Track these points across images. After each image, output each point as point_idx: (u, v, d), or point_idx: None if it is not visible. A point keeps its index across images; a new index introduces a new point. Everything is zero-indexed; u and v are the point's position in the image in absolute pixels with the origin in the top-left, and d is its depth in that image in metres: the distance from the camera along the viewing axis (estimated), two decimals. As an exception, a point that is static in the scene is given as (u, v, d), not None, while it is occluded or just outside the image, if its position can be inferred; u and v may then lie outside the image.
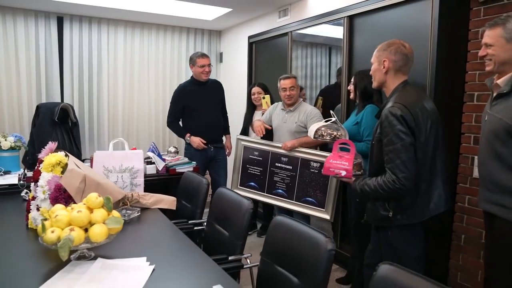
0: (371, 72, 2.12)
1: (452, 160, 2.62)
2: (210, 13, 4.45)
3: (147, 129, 5.04)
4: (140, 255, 1.57)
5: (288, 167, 3.22)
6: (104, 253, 1.57)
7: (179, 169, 3.06)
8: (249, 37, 4.62)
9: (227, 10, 4.17)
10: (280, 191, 3.26)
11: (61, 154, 1.85)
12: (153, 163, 2.95)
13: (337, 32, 3.38)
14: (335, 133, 2.60)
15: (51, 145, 1.93)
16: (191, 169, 3.09)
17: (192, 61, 3.62)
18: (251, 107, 3.97)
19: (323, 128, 2.62)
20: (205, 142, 3.68)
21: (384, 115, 1.87)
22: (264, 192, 3.35)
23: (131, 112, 4.93)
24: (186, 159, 3.22)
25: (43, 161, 1.84)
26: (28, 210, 1.86)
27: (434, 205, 1.92)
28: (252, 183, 3.43)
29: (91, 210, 1.52)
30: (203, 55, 3.59)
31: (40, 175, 1.80)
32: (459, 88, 2.61)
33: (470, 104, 2.71)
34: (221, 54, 5.47)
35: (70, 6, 4.01)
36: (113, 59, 4.75)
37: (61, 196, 1.74)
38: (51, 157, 1.81)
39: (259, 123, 3.41)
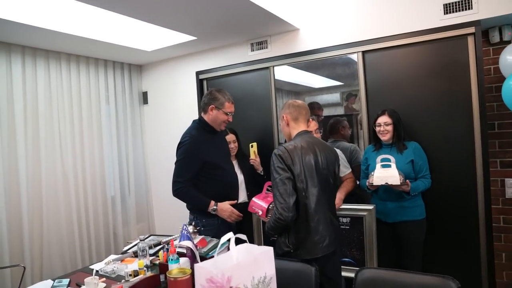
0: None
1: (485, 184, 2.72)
2: (152, 43, 3.56)
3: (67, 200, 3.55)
4: None
5: None
6: None
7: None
8: (198, 73, 3.92)
9: (190, 38, 3.40)
10: None
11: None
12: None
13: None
14: (402, 175, 2.53)
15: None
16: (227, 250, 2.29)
17: (217, 102, 2.63)
18: None
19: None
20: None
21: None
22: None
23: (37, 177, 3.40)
24: (214, 240, 2.36)
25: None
26: None
27: (324, 243, 2.07)
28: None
29: None
30: (232, 100, 2.70)
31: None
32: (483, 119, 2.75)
33: (492, 132, 2.97)
34: (144, 94, 4.44)
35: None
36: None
37: None
38: None
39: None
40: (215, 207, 2.59)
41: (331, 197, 2.23)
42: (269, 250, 1.51)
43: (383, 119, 2.71)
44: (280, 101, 3.50)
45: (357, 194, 2.92)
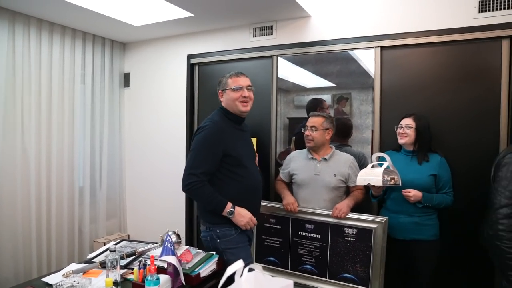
0: None
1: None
2: (141, 17, 3.10)
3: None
4: None
5: (315, 236, 2.55)
6: None
7: (204, 273, 1.87)
8: (190, 57, 3.48)
9: (186, 14, 2.96)
10: (308, 266, 2.56)
11: None
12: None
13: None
14: (395, 177, 2.27)
15: None
16: (215, 266, 1.96)
17: (221, 85, 2.24)
18: None
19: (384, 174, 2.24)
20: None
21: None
22: (287, 269, 2.62)
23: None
24: (201, 252, 1.98)
25: None
26: None
27: None
28: (272, 258, 2.70)
29: None
30: (238, 73, 2.24)
31: None
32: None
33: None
34: (126, 75, 3.95)
35: None
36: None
37: None
38: None
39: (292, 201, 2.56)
40: (232, 209, 2.09)
41: None
42: (289, 284, 1.12)
43: (406, 121, 2.41)
44: (282, 96, 3.12)
45: (365, 207, 2.59)
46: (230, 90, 2.18)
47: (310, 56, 2.99)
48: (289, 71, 3.11)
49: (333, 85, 2.96)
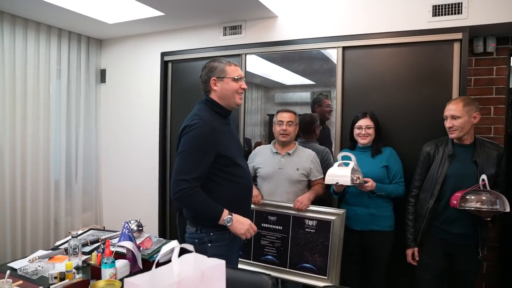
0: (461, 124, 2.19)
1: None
2: (114, 15, 3.19)
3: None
4: None
5: (278, 227, 2.66)
6: None
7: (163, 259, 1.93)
8: (163, 54, 3.57)
9: (158, 13, 3.05)
10: (269, 257, 2.66)
11: None
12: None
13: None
14: (360, 176, 2.39)
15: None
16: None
17: (216, 72, 1.94)
18: None
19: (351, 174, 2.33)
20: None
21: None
22: (250, 260, 2.70)
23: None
24: (162, 240, 2.06)
25: None
26: None
27: None
28: (234, 250, 2.67)
29: None
30: (234, 62, 2.01)
31: None
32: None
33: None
34: (102, 71, 4.02)
35: None
36: None
37: None
38: None
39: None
40: (230, 216, 1.87)
41: None
42: (221, 264, 1.24)
43: (365, 122, 2.53)
44: (250, 93, 3.23)
45: (325, 200, 2.72)
46: (231, 79, 1.94)
47: (281, 54, 3.10)
48: (267, 69, 3.21)
49: (313, 82, 3.06)
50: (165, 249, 1.16)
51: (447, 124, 2.23)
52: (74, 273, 1.69)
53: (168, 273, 1.12)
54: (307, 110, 3.07)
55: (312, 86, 3.08)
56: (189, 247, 1.17)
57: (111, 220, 4.07)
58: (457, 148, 2.25)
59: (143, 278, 1.10)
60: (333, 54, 2.90)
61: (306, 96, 3.11)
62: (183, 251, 1.16)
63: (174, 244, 1.15)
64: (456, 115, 2.18)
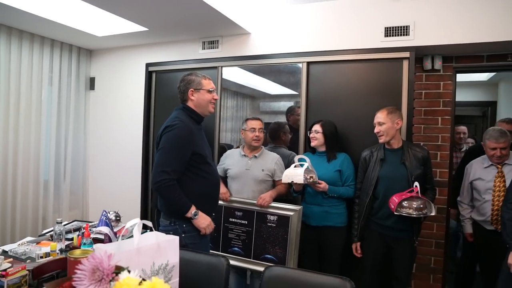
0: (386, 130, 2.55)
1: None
2: (103, 29, 3.50)
3: None
4: None
5: (243, 222, 2.94)
6: None
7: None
8: (148, 65, 3.88)
9: (142, 29, 3.37)
10: (236, 249, 2.94)
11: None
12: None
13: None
14: (313, 175, 2.68)
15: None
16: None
17: (194, 84, 2.28)
18: None
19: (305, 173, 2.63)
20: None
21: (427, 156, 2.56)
22: (219, 251, 2.94)
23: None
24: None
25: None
26: None
27: None
28: (204, 242, 2.95)
29: None
30: (207, 76, 2.37)
31: None
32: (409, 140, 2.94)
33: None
34: (91, 79, 4.32)
35: None
36: None
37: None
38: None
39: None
40: (196, 211, 2.17)
41: None
42: (175, 239, 1.54)
43: (315, 127, 2.87)
44: (225, 102, 3.55)
45: (291, 200, 3.01)
46: (206, 91, 2.29)
47: (253, 67, 3.42)
48: (242, 79, 3.53)
49: (296, 92, 3.31)
50: (129, 224, 1.46)
51: (375, 130, 2.59)
52: (57, 253, 1.97)
53: (130, 243, 1.43)
54: (281, 118, 3.38)
55: (295, 96, 3.32)
56: (148, 223, 1.48)
57: (96, 218, 4.23)
58: (388, 153, 2.61)
59: (110, 246, 1.40)
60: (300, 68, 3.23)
61: (278, 105, 3.43)
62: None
63: (137, 220, 1.45)
64: (381, 121, 2.55)
